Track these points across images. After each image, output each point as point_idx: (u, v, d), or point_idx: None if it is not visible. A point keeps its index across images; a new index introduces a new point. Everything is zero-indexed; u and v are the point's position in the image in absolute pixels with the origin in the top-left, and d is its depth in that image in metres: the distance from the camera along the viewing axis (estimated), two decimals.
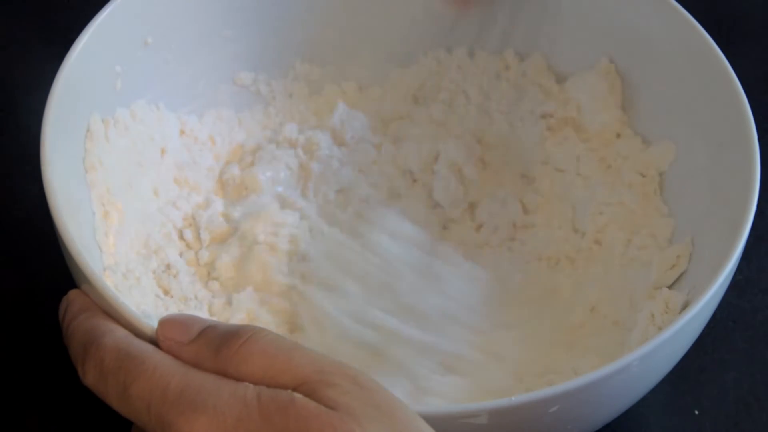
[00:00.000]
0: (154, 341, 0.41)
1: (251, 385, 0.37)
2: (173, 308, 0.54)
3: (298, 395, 0.37)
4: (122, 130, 0.56)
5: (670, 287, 0.53)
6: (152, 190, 0.58)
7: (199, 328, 0.41)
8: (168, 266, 0.56)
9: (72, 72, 0.52)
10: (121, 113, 0.57)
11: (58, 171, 0.48)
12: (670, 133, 0.58)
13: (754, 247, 0.62)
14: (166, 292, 0.55)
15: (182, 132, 0.62)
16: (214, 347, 0.39)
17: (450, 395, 0.51)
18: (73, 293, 0.45)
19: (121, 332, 0.41)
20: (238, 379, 0.38)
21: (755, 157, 0.51)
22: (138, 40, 0.58)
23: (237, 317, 0.55)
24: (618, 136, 0.61)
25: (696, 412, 0.56)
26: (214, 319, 0.55)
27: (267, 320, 0.55)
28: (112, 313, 0.43)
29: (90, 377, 0.40)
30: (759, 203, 0.49)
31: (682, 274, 0.53)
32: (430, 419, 0.41)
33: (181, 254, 0.57)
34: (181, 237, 0.59)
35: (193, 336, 0.40)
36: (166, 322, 0.41)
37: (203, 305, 0.55)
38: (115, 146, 0.55)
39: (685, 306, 0.50)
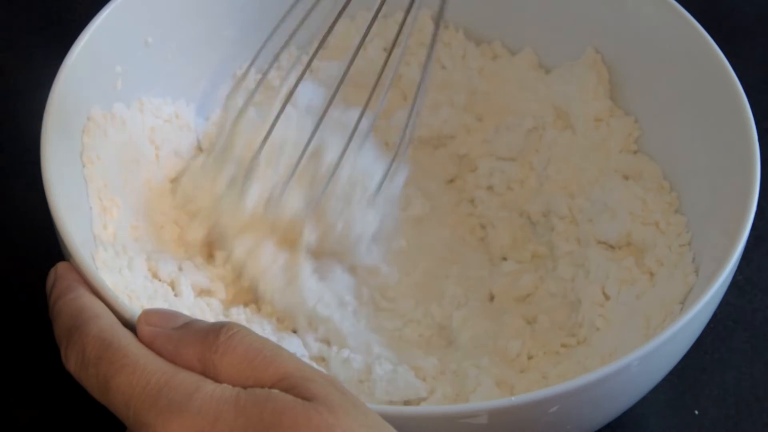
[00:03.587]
0: None
1: (229, 386, 0.38)
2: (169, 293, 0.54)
3: (274, 390, 0.37)
4: (119, 125, 0.56)
5: None
6: (148, 187, 0.58)
7: (185, 320, 0.41)
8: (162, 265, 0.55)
9: (72, 72, 0.52)
10: (120, 109, 0.57)
11: (58, 171, 0.48)
12: (669, 132, 0.59)
13: (754, 247, 0.62)
14: (155, 276, 0.54)
15: (182, 131, 0.62)
16: (200, 335, 0.39)
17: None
18: (61, 267, 0.45)
19: (106, 320, 0.41)
20: (221, 368, 0.38)
21: (755, 157, 0.51)
22: (138, 40, 0.58)
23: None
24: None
25: (696, 412, 0.56)
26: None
27: None
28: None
29: (71, 364, 0.40)
30: (759, 203, 0.49)
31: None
32: (431, 419, 0.41)
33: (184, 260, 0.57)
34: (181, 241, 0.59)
35: (178, 325, 0.40)
36: (150, 312, 0.41)
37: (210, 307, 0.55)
38: (113, 142, 0.55)
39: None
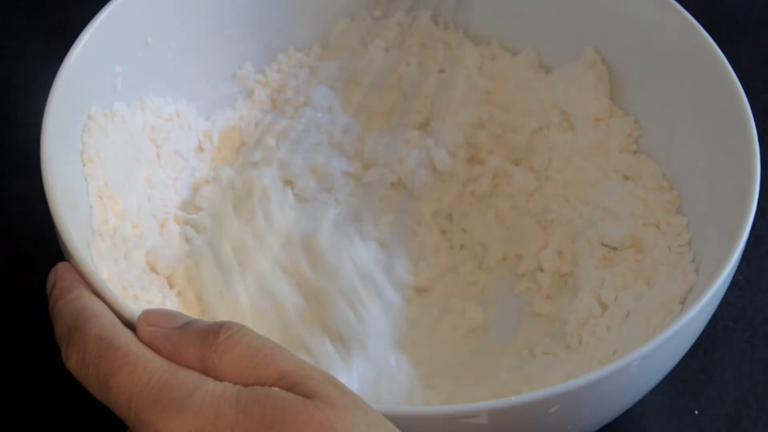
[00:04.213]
0: None
1: (230, 385, 0.38)
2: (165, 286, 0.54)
3: (275, 388, 0.37)
4: (120, 124, 0.56)
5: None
6: (149, 185, 0.58)
7: (185, 320, 0.41)
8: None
9: (72, 72, 0.52)
10: (120, 108, 0.57)
11: (58, 170, 0.48)
12: (669, 132, 0.59)
13: (754, 247, 0.62)
14: (152, 269, 0.54)
15: (182, 130, 0.62)
16: (200, 334, 0.39)
17: None
18: (61, 267, 0.45)
19: (106, 319, 0.41)
20: (221, 367, 0.38)
21: (755, 157, 0.51)
22: (138, 40, 0.58)
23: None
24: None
25: (696, 412, 0.56)
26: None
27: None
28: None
29: (72, 363, 0.40)
30: (759, 203, 0.49)
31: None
32: (431, 419, 0.41)
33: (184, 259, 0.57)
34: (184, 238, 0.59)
35: (178, 325, 0.41)
36: (150, 312, 0.41)
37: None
38: (113, 141, 0.55)
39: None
